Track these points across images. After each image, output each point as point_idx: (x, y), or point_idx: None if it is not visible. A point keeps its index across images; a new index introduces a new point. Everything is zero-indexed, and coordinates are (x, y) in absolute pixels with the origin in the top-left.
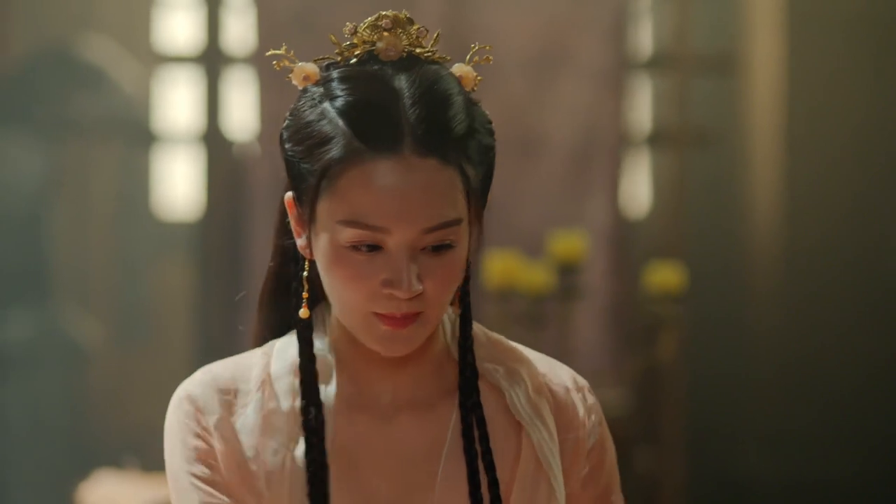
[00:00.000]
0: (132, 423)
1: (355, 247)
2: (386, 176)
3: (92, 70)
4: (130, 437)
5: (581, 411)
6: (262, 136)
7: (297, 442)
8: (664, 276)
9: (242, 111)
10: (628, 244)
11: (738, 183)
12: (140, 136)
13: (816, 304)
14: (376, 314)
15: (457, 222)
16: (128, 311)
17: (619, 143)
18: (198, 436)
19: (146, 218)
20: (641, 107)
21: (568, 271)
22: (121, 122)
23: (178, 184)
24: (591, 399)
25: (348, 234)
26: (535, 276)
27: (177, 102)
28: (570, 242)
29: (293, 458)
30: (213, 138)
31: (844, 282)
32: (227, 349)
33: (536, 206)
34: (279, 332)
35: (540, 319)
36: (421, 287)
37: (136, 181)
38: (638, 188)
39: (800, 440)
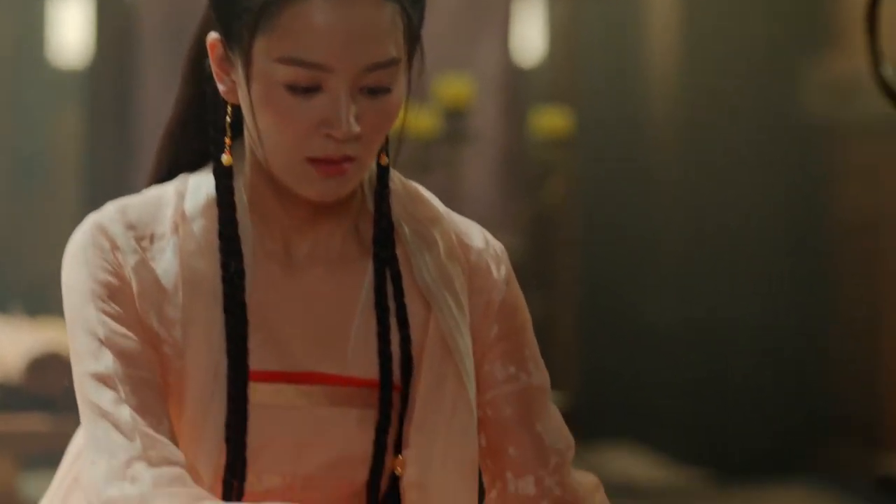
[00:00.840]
0: (20, 269)
1: (292, 87)
2: (328, 12)
3: None
4: (18, 284)
5: (493, 272)
6: None
7: (215, 292)
8: (552, 120)
9: None
10: (519, 90)
11: (634, 28)
12: None
13: (711, 149)
14: (310, 159)
15: (396, 62)
16: (18, 158)
17: None
18: (112, 273)
19: (38, 64)
20: None
21: (454, 116)
22: None
23: (70, 30)
24: (503, 259)
25: (286, 73)
26: (421, 119)
27: None
28: (456, 86)
29: (212, 309)
30: None
31: (740, 125)
32: (118, 195)
33: (425, 48)
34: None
35: (427, 164)
36: (358, 129)
37: (28, 27)
38: (531, 33)
39: (697, 282)
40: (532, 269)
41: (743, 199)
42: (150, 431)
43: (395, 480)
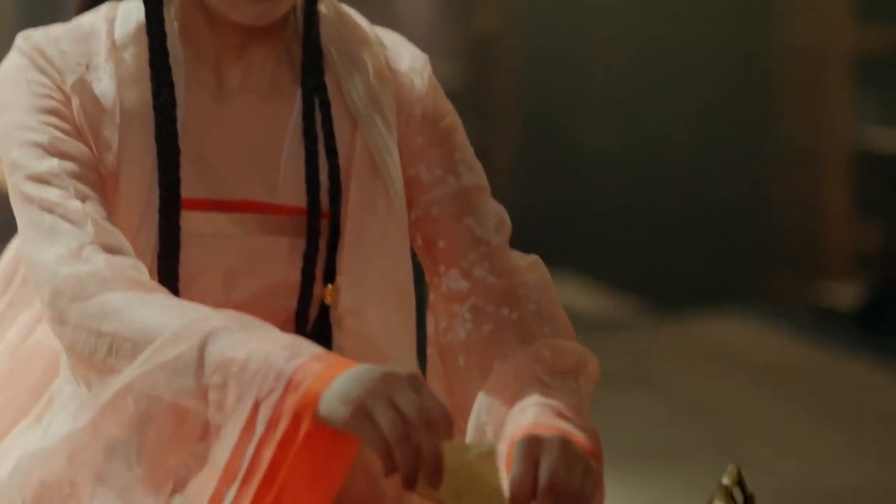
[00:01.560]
0: None
1: None
2: None
3: None
4: None
5: (417, 85)
6: None
7: (148, 121)
8: None
9: None
10: None
11: None
12: None
13: None
14: None
15: None
16: None
17: None
18: (54, 89)
19: None
20: None
21: None
22: None
23: None
24: (425, 69)
25: None
26: None
27: None
28: None
29: (145, 137)
30: None
31: None
32: (53, 21)
33: None
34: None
35: None
36: None
37: None
38: None
39: (637, 111)
40: (469, 96)
41: (684, 27)
42: (103, 221)
43: (325, 310)
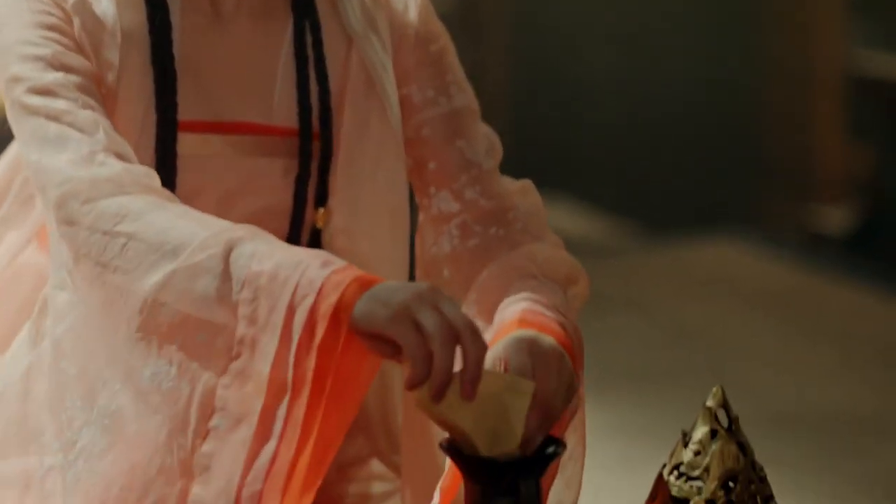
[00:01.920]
0: None
1: None
2: None
3: None
4: None
5: (411, 8)
6: None
7: (145, 43)
8: None
9: None
10: None
11: None
12: None
13: None
14: None
15: None
16: None
17: None
18: (55, 6)
19: None
20: None
21: None
22: None
23: None
24: None
25: None
26: None
27: None
28: None
29: (142, 60)
30: None
31: None
32: None
33: None
34: None
35: None
36: None
37: None
38: None
39: (628, 30)
40: (460, 15)
41: None
42: (112, 131)
43: (316, 235)
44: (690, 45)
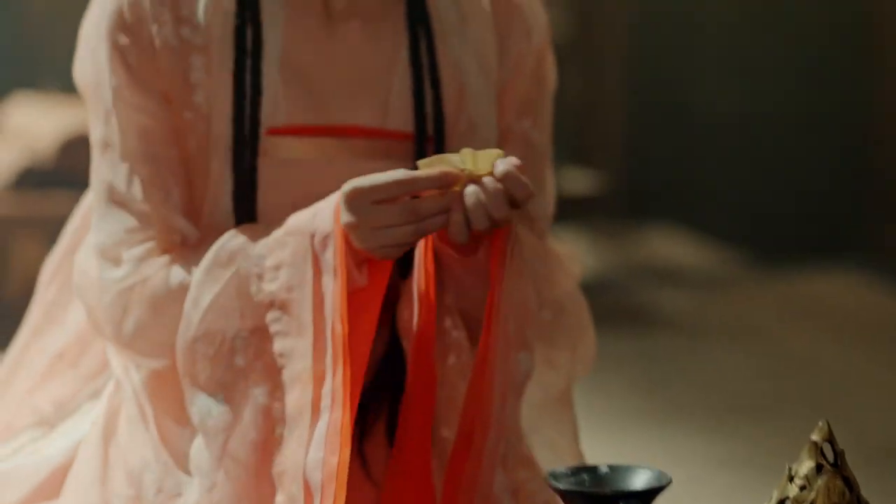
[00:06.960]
0: (56, 45)
1: None
2: None
3: None
4: (53, 61)
5: (535, 38)
6: None
7: (229, 57)
8: None
9: None
10: None
11: None
12: None
13: None
14: None
15: None
16: None
17: None
18: (133, 33)
19: None
20: None
21: None
22: None
23: None
24: (541, 14)
25: None
26: None
27: None
28: None
29: (232, 66)
30: None
31: None
32: None
33: None
34: None
35: None
36: None
37: None
38: None
39: (743, 63)
40: (577, 46)
41: None
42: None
43: None
44: (808, 74)
